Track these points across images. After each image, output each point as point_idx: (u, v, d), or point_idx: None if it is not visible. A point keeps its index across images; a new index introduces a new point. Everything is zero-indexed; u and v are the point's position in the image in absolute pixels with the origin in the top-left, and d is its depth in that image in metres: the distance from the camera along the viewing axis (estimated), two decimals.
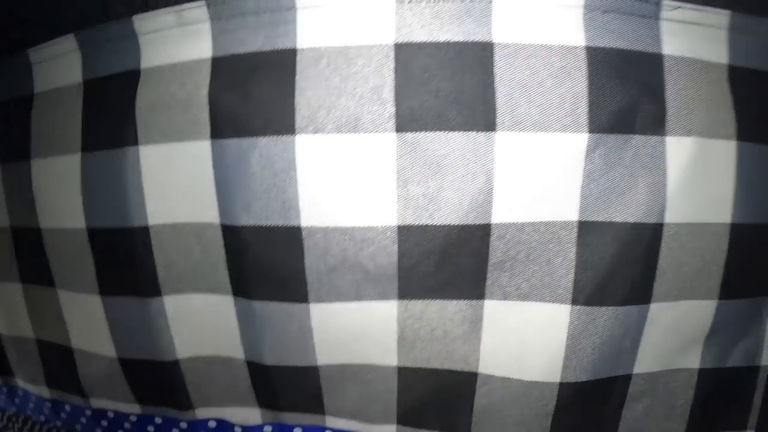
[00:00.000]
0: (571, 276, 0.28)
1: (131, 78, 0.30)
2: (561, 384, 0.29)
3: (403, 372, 0.31)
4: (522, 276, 0.28)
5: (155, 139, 0.30)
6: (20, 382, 0.42)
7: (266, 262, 0.29)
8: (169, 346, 0.33)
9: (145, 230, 0.31)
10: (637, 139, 0.27)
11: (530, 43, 0.26)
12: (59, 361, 0.38)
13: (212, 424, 0.35)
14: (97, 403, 0.38)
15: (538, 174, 0.27)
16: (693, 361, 0.31)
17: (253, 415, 0.34)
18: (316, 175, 0.27)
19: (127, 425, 0.38)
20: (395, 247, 0.28)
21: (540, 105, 0.26)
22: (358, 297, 0.29)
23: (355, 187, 0.27)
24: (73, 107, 0.32)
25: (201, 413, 0.35)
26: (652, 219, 0.27)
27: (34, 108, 0.34)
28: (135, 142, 0.30)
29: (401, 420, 0.32)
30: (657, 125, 0.27)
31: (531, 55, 0.26)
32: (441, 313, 0.29)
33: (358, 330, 0.30)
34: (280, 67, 0.27)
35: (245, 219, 0.28)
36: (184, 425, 0.36)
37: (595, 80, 0.26)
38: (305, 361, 0.31)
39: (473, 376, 0.30)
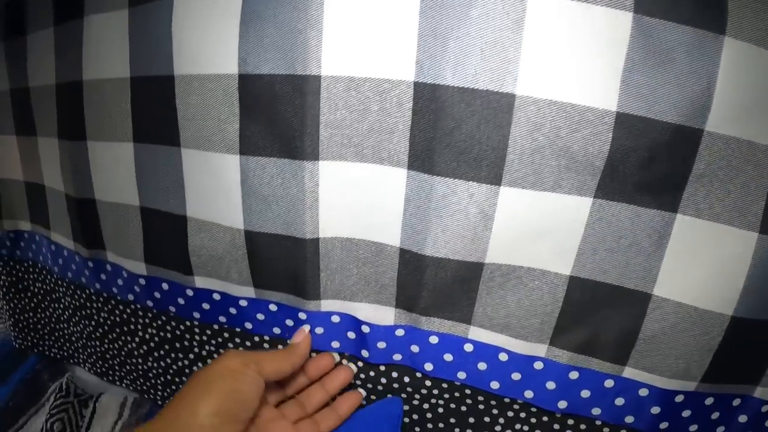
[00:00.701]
0: (762, 203, 0.26)
1: None
2: (732, 318, 0.27)
3: (573, 282, 0.28)
4: (716, 195, 0.26)
5: None
6: (111, 256, 0.39)
7: (463, 131, 0.25)
8: (313, 221, 0.30)
9: (315, 80, 0.27)
10: None
11: None
12: (167, 233, 0.35)
13: (336, 318, 0.32)
14: (203, 282, 0.35)
15: (751, 90, 0.24)
16: None
17: (385, 314, 0.31)
18: (543, 41, 0.24)
19: (232, 310, 0.35)
20: (609, 136, 0.25)
21: (764, 20, 0.24)
22: (554, 187, 0.26)
23: (582, 62, 0.24)
24: None
25: (326, 305, 0.32)
26: None
27: None
28: None
29: (555, 340, 0.29)
30: None
31: None
32: (632, 220, 0.26)
33: (542, 226, 0.27)
34: None
35: (450, 79, 0.25)
36: (303, 316, 0.33)
37: None
38: (473, 255, 0.28)
39: (647, 297, 0.27)
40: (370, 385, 0.34)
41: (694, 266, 0.27)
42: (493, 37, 0.24)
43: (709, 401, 0.29)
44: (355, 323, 0.32)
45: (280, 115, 0.28)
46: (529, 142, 0.25)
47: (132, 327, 0.41)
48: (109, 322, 0.43)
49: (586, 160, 0.25)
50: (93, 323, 0.44)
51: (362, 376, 0.34)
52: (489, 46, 0.24)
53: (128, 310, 0.41)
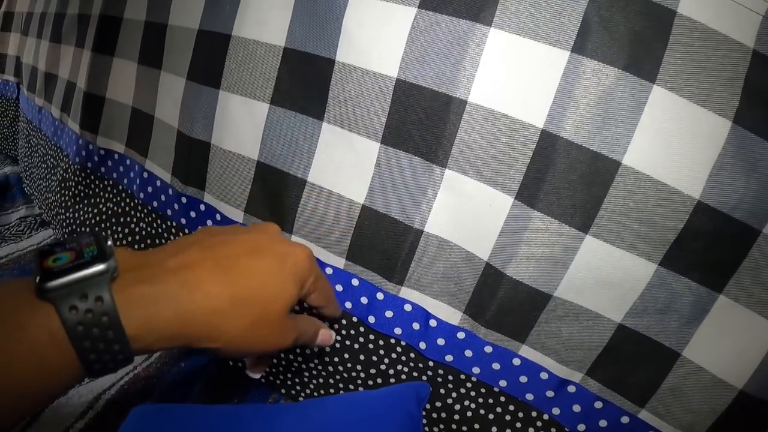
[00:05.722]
0: None
1: None
2: (740, 392, 0.31)
3: (620, 330, 0.32)
4: (758, 288, 0.30)
5: None
6: (209, 198, 0.42)
7: (570, 180, 0.30)
8: (425, 214, 0.34)
9: (461, 103, 0.31)
10: None
11: None
12: (279, 191, 0.38)
13: (408, 307, 0.36)
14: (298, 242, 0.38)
15: None
16: None
17: (453, 315, 0.36)
18: (655, 126, 0.29)
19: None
20: (686, 217, 0.30)
21: None
22: (630, 248, 0.30)
23: (682, 152, 0.29)
24: None
25: (404, 293, 0.36)
26: None
27: None
28: None
29: (591, 372, 0.34)
30: None
31: None
32: (684, 290, 0.31)
33: (610, 278, 0.31)
34: None
35: (571, 135, 0.30)
36: (380, 296, 0.37)
37: None
38: (546, 286, 0.32)
39: (676, 355, 0.32)
40: (415, 374, 0.38)
41: (724, 343, 0.31)
42: (615, 112, 0.29)
43: None
44: (424, 316, 0.36)
45: (424, 123, 0.33)
46: (621, 205, 0.30)
47: None
48: None
49: (662, 232, 0.30)
50: None
51: (411, 364, 0.38)
52: (610, 118, 0.29)
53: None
